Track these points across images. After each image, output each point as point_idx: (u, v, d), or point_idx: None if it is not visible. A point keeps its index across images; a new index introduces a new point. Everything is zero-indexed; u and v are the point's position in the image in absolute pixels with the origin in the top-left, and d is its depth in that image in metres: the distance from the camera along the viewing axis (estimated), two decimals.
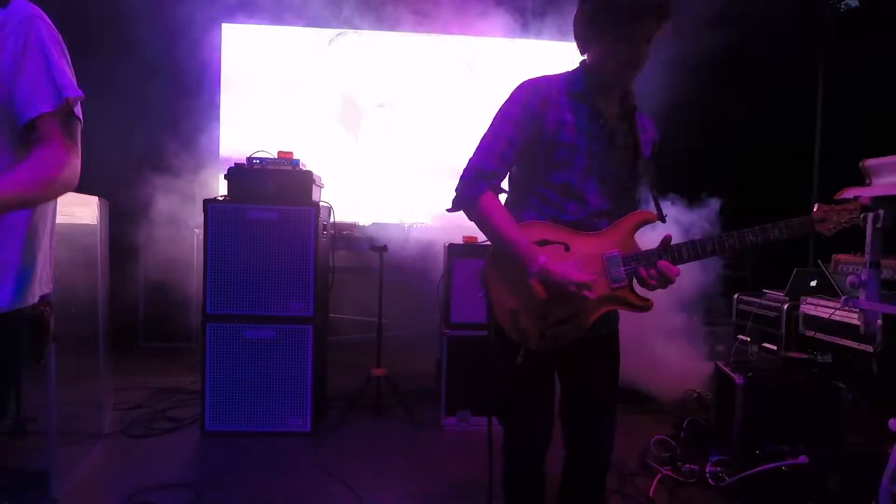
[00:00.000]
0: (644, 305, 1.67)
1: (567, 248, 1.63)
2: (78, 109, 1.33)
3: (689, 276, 4.17)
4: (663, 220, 1.72)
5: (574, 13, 1.69)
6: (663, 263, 1.62)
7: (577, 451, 1.82)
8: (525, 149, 1.67)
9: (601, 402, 1.79)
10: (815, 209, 1.71)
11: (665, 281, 1.62)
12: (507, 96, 1.70)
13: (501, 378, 1.75)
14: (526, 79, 1.71)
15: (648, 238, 1.73)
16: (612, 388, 1.81)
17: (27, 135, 1.26)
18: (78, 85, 1.32)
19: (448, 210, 1.74)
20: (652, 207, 1.75)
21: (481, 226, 1.67)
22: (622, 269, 1.64)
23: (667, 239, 1.65)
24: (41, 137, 1.25)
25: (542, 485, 1.80)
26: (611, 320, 1.77)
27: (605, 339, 1.77)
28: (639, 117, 1.76)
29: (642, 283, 1.65)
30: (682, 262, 1.65)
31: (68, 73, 1.30)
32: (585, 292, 1.54)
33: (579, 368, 1.76)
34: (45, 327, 1.38)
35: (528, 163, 1.70)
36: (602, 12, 1.58)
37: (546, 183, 1.68)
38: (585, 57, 1.71)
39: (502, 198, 1.76)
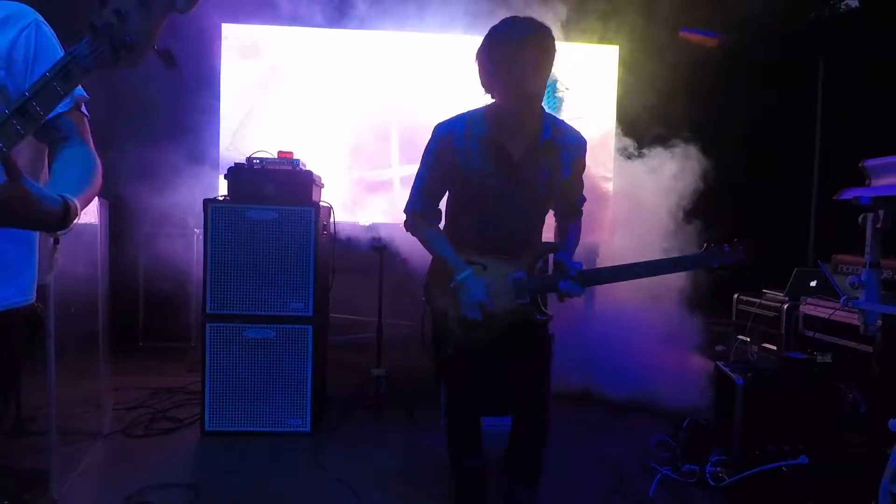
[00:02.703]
0: (543, 321, 2.05)
1: (485, 269, 2.00)
2: (84, 107, 1.40)
3: (688, 274, 4.17)
4: (565, 248, 2.10)
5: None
6: (563, 286, 1.96)
7: (516, 417, 2.21)
8: (446, 182, 2.05)
9: (529, 372, 2.15)
10: (704, 247, 2.05)
11: (570, 296, 1.98)
12: (429, 138, 2.03)
13: (438, 362, 2.34)
14: (439, 122, 2.02)
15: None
16: (536, 360, 2.17)
17: (46, 134, 1.31)
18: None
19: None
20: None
21: (426, 248, 2.11)
22: (525, 289, 1.99)
23: (561, 264, 2.02)
24: (66, 136, 1.31)
25: (479, 439, 2.23)
26: (526, 315, 2.06)
27: (524, 327, 2.06)
28: (561, 140, 1.98)
29: (559, 296, 2.01)
30: (593, 284, 2.06)
31: None
32: (470, 316, 1.93)
33: (508, 351, 2.09)
34: (40, 325, 1.40)
35: (451, 194, 2.10)
36: (492, 56, 1.82)
37: (466, 212, 2.06)
38: (494, 100, 1.93)
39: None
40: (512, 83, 1.81)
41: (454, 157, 1.96)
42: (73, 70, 1.00)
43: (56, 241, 1.16)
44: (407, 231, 2.15)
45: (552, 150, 1.95)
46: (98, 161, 1.35)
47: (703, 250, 2.05)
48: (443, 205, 2.18)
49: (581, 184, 2.14)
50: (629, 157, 4.64)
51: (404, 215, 2.13)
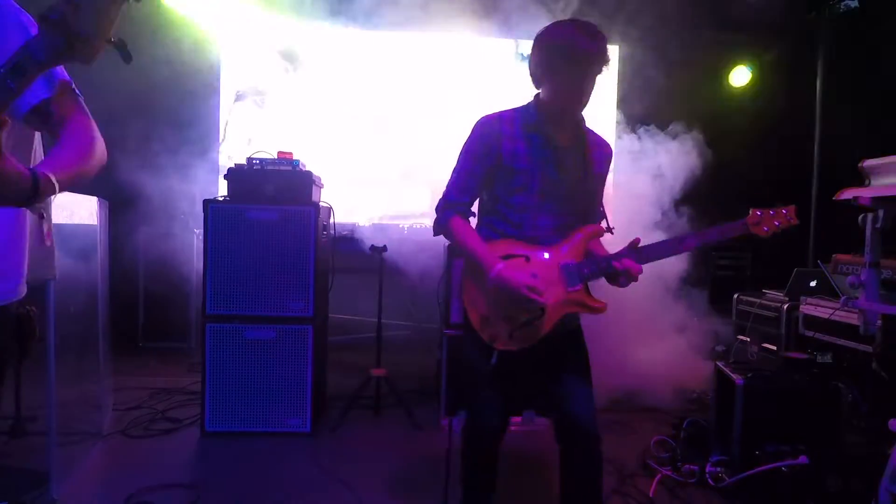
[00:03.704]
0: (599, 308, 1.92)
1: (528, 260, 1.88)
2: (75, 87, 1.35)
3: (689, 274, 4.17)
4: (611, 232, 2.01)
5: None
6: (619, 263, 1.83)
7: (565, 424, 1.96)
8: (487, 176, 1.95)
9: (575, 377, 1.96)
10: (749, 214, 1.99)
11: (629, 278, 1.84)
12: (469, 132, 1.98)
13: (473, 372, 2.01)
14: (483, 116, 1.98)
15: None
16: (584, 366, 1.99)
17: (42, 121, 1.27)
18: (76, 83, 1.34)
19: (434, 234, 2.04)
20: (604, 220, 2.03)
21: (455, 244, 1.97)
22: (576, 275, 1.88)
23: (634, 242, 1.88)
24: (61, 118, 1.27)
25: (495, 465, 2.08)
26: (572, 317, 1.98)
27: (569, 334, 1.98)
28: (591, 139, 2.00)
29: (612, 279, 1.89)
30: (648, 261, 1.88)
31: None
32: (535, 296, 1.77)
33: (550, 359, 1.95)
34: (31, 324, 1.39)
35: (490, 188, 1.98)
36: (551, 57, 1.85)
37: (507, 204, 1.94)
38: (539, 91, 1.96)
39: (474, 221, 2.04)
40: (565, 89, 1.86)
41: (501, 144, 1.91)
42: (26, 64, 0.97)
43: (42, 217, 1.13)
44: (435, 229, 2.01)
45: (587, 142, 1.99)
46: (95, 135, 1.29)
47: (749, 217, 1.99)
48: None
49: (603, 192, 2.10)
50: (628, 155, 4.64)
51: (436, 213, 2.00)
